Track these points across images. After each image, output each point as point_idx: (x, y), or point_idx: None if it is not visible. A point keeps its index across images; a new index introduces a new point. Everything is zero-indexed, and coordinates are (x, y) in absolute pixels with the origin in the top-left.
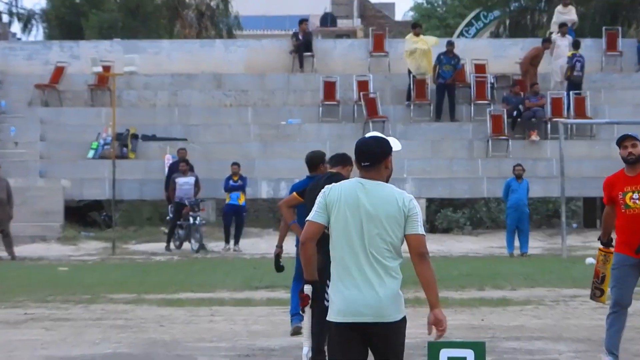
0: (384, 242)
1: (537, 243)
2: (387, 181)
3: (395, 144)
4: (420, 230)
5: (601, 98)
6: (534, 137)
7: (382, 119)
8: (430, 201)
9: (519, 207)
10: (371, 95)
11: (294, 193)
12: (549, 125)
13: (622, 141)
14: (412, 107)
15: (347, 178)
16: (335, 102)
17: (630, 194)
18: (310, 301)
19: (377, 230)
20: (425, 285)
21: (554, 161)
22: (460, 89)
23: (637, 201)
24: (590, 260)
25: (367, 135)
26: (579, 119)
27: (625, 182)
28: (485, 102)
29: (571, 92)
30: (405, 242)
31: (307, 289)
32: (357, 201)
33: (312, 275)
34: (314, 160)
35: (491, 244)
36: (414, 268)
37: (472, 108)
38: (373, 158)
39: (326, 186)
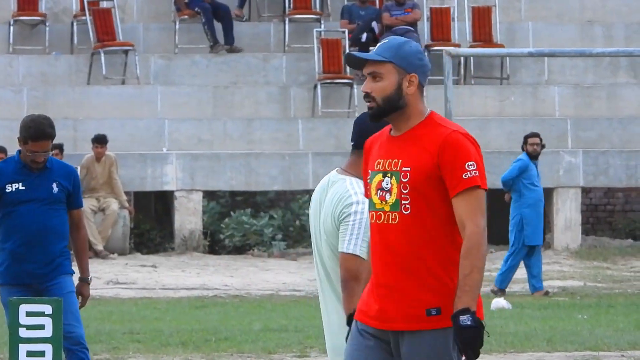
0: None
1: None
2: None
3: None
4: (346, 246)
5: (521, 10)
6: None
7: (125, 47)
8: (210, 198)
9: (540, 211)
10: (104, 5)
11: None
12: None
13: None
14: (176, 26)
15: None
16: (38, 17)
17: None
18: None
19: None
20: None
21: None
22: None
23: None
24: (500, 302)
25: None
26: (480, 48)
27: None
28: (311, 15)
29: None
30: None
31: None
32: (317, 208)
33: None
34: None
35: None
36: None
37: (286, 27)
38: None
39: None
